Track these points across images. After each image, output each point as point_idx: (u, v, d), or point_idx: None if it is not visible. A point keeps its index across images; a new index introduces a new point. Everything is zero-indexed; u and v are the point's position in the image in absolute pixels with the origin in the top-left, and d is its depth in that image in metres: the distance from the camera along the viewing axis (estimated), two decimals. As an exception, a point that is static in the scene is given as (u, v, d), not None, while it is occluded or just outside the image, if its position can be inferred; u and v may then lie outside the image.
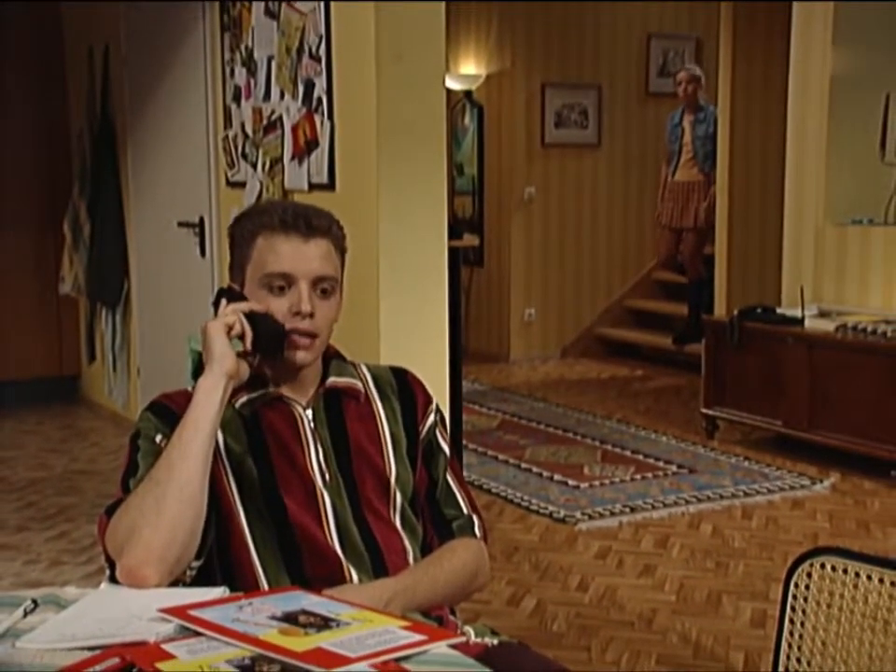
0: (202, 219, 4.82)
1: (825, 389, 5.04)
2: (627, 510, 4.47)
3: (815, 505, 4.57)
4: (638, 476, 4.97)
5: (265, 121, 4.13)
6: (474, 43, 8.15)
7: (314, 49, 3.77)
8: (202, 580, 1.62)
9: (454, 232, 4.13)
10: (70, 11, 6.24)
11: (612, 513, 4.42)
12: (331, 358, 1.81)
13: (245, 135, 4.30)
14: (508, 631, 3.11)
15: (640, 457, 5.28)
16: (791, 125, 5.83)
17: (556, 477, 4.95)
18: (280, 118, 4.02)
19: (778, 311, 5.49)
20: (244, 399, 1.72)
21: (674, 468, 5.10)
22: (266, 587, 1.65)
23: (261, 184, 4.15)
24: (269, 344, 1.67)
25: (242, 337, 1.65)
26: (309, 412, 1.75)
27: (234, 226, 1.76)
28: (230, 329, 1.64)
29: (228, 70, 4.45)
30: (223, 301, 1.70)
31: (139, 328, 5.68)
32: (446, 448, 1.85)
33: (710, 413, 5.64)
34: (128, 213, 5.71)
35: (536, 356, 8.05)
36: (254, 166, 4.22)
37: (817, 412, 5.08)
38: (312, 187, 3.82)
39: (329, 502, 1.70)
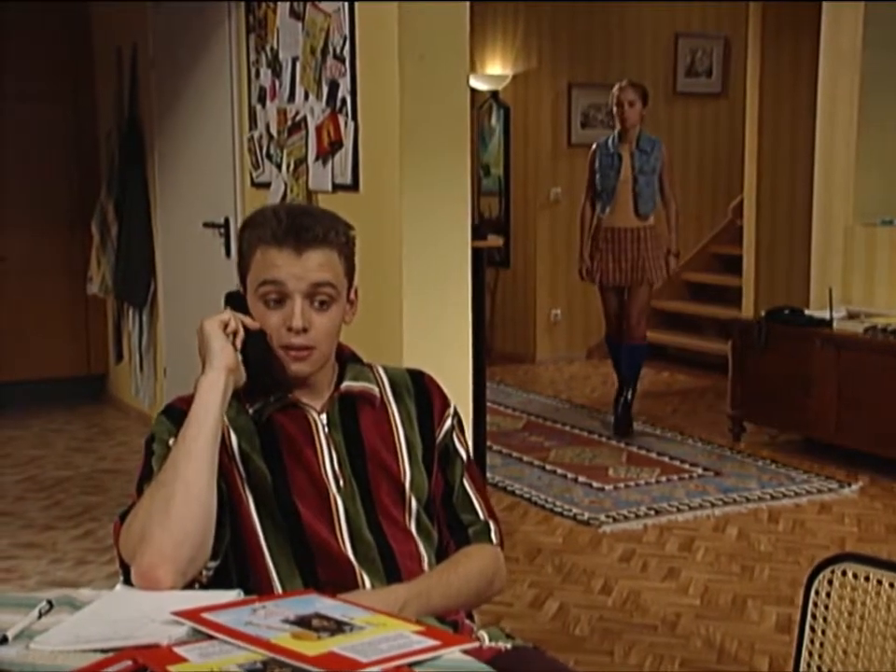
0: (227, 220, 4.83)
1: (853, 392, 4.98)
2: (652, 512, 4.44)
3: (843, 509, 4.53)
4: (664, 478, 4.93)
5: (290, 122, 4.14)
6: (500, 43, 8.13)
7: (338, 50, 3.77)
8: (218, 580, 1.62)
9: (478, 233, 4.12)
10: (98, 11, 6.28)
11: (637, 516, 4.39)
12: (346, 361, 1.80)
13: (270, 136, 4.31)
14: (530, 634, 3.10)
15: (666, 459, 5.25)
16: (821, 125, 5.78)
17: (581, 479, 4.92)
18: (304, 118, 4.03)
19: (806, 312, 5.44)
20: (258, 404, 1.71)
21: (699, 470, 5.07)
22: (280, 591, 1.64)
23: (286, 185, 4.15)
24: (255, 363, 1.67)
25: (234, 338, 1.65)
26: (323, 416, 1.73)
27: (239, 234, 1.76)
28: (225, 325, 1.64)
29: (253, 71, 4.46)
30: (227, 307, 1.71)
31: (166, 328, 5.71)
32: (463, 452, 1.83)
33: (737, 414, 5.60)
34: (155, 213, 5.73)
35: (562, 356, 8.02)
36: (278, 167, 4.23)
37: (845, 414, 5.02)
38: (336, 187, 3.83)
39: (343, 508, 1.69)
